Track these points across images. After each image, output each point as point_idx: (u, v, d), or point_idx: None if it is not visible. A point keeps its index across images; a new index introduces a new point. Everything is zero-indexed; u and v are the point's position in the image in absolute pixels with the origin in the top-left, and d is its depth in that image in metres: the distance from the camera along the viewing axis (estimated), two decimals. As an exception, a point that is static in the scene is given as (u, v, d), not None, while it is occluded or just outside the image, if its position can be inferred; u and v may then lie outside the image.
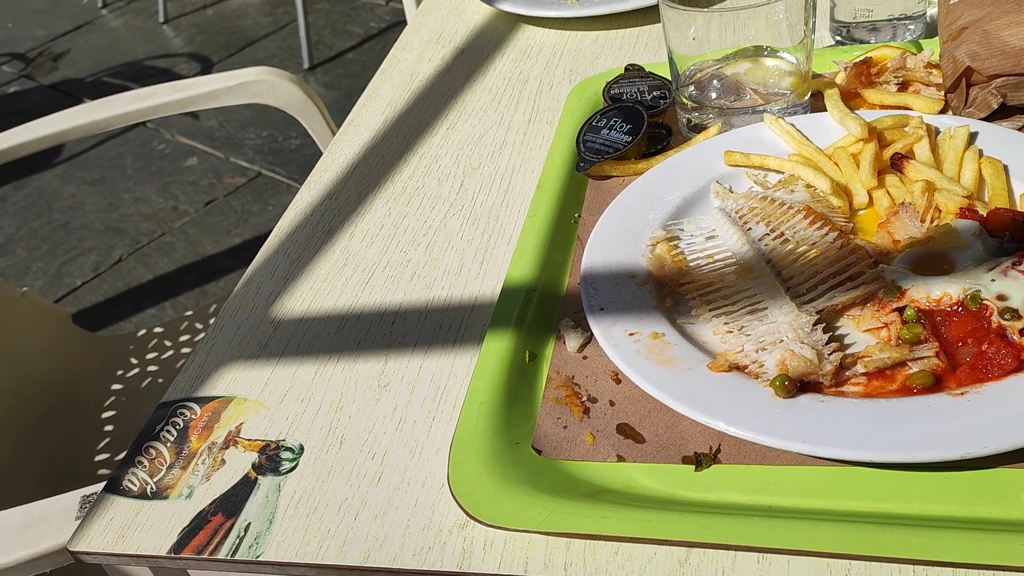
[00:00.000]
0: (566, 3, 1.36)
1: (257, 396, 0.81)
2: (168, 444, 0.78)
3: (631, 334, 0.74)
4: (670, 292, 0.79)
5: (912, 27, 1.11)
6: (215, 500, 0.72)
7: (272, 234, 1.02)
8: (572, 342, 0.78)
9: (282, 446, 0.75)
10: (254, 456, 0.75)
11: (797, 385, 0.66)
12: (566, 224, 0.91)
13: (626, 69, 1.10)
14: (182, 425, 0.80)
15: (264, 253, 0.99)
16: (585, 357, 0.77)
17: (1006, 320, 0.65)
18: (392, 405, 0.77)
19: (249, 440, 0.77)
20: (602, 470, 0.67)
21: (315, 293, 0.92)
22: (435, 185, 1.05)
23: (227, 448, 0.77)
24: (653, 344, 0.73)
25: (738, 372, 0.70)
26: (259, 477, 0.73)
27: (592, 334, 0.77)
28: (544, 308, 0.81)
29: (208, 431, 0.79)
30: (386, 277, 0.92)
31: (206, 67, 4.19)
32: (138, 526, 0.72)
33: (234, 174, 3.37)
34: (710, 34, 0.95)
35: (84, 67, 4.48)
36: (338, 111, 1.18)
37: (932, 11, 1.15)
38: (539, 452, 0.69)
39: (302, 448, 0.75)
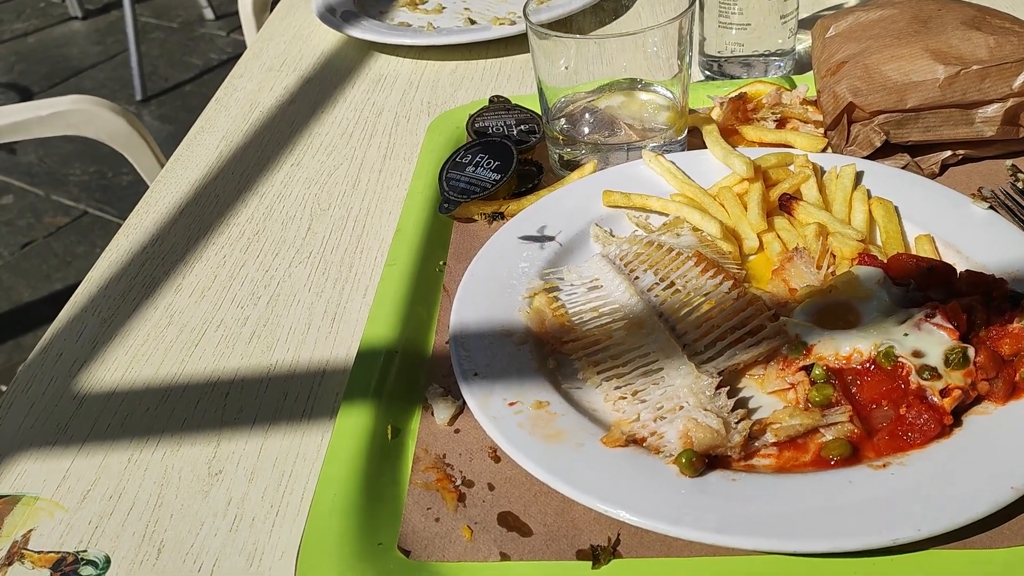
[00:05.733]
0: (422, 30, 1.27)
1: (52, 494, 0.66)
2: (-68, 562, 0.62)
3: (511, 404, 0.64)
4: (553, 352, 0.69)
5: (781, 63, 1.07)
6: (-8, 635, 0.57)
7: (79, 289, 0.86)
8: (442, 413, 0.67)
9: (82, 559, 0.60)
10: (46, 574, 0.60)
11: (705, 461, 0.58)
12: (430, 273, 0.80)
13: (491, 101, 1.01)
14: (-49, 536, 0.63)
15: (68, 312, 0.83)
16: (458, 431, 0.66)
17: (925, 380, 0.59)
18: (225, 498, 0.64)
19: (40, 553, 0.61)
20: (483, 573, 0.56)
21: (131, 360, 0.77)
22: (278, 229, 0.92)
23: (11, 564, 0.61)
24: (537, 415, 0.63)
25: (636, 446, 0.60)
26: (51, 603, 0.58)
27: (465, 403, 0.66)
28: (408, 373, 0.70)
29: (-14, 543, 0.62)
30: (219, 338, 0.79)
31: (25, 99, 3.85)
32: None
33: (56, 213, 3.08)
34: (582, 64, 0.88)
35: None
36: (173, 147, 1.05)
37: (801, 47, 1.12)
38: (407, 553, 0.57)
39: (108, 561, 0.60)
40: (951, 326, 0.61)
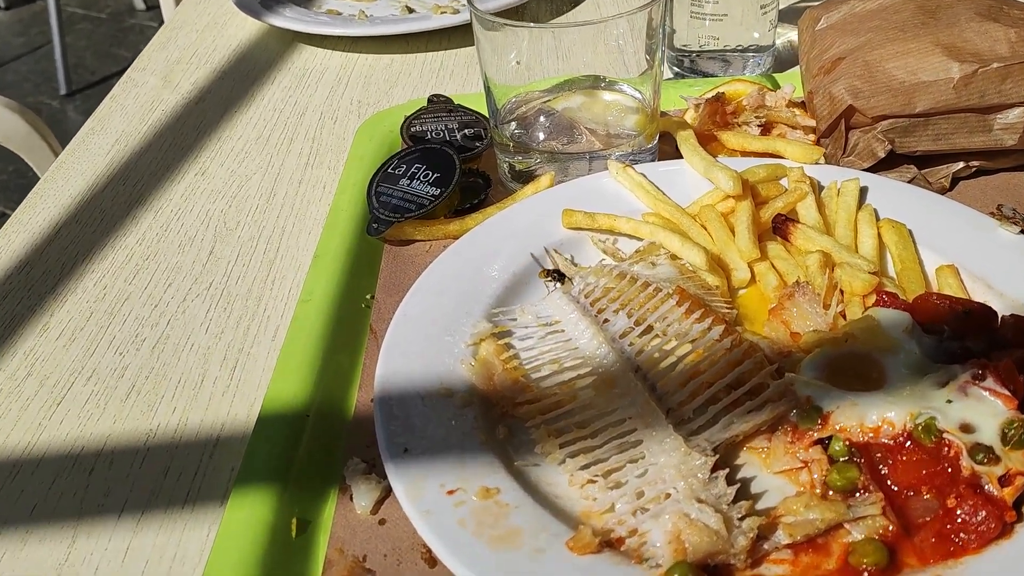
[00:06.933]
0: (353, 19, 1.12)
1: None
2: None
3: (450, 492, 0.50)
4: (503, 416, 0.56)
5: (760, 59, 0.95)
6: None
7: (-81, 330, 0.70)
8: (363, 498, 0.53)
9: None
10: None
11: (702, 576, 0.44)
12: (354, 310, 0.67)
13: (429, 101, 0.87)
14: None
15: (-100, 361, 0.67)
16: (383, 522, 0.52)
17: (980, 464, 0.46)
18: (76, 621, 0.49)
19: None
20: None
21: (-27, 425, 0.62)
22: (174, 253, 0.77)
23: None
24: (483, 508, 0.49)
25: (611, 550, 0.47)
26: None
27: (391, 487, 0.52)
28: (322, 444, 0.57)
29: None
30: (89, 394, 0.64)
31: (-61, 91, 3.60)
32: None
33: (-33, 217, 2.86)
34: (536, 59, 0.75)
35: None
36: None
37: (780, 41, 1.00)
38: None
39: None
40: (1006, 392, 0.48)
